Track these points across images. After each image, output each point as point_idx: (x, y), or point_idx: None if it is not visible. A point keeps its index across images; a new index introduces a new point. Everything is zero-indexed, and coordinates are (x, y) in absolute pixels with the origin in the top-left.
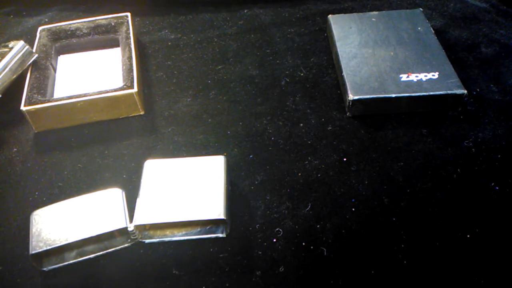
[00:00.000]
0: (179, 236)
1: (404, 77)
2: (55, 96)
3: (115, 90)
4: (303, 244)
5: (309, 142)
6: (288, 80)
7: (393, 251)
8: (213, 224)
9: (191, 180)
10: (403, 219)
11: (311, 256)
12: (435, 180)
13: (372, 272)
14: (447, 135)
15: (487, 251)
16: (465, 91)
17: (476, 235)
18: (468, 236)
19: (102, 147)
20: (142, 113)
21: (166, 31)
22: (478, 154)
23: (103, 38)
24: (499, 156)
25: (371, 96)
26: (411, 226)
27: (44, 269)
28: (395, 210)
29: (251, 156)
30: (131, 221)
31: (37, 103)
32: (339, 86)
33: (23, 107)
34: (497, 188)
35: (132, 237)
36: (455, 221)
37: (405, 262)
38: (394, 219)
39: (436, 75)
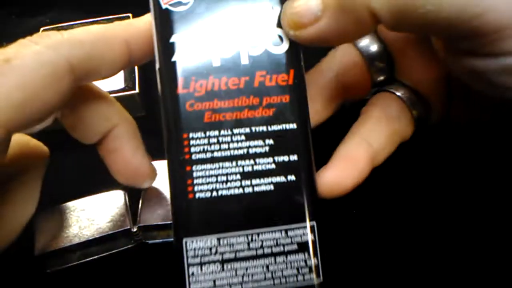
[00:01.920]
0: None
1: None
2: None
3: (117, 91)
4: None
5: None
6: None
7: (393, 251)
8: None
9: None
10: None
11: None
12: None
13: (372, 272)
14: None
15: (487, 251)
16: None
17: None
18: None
19: None
20: (143, 114)
21: None
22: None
23: None
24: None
25: None
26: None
27: (48, 271)
28: (395, 210)
29: None
30: (134, 222)
31: None
32: None
33: None
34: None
35: (135, 238)
36: (455, 221)
37: (405, 262)
38: (394, 219)
39: None
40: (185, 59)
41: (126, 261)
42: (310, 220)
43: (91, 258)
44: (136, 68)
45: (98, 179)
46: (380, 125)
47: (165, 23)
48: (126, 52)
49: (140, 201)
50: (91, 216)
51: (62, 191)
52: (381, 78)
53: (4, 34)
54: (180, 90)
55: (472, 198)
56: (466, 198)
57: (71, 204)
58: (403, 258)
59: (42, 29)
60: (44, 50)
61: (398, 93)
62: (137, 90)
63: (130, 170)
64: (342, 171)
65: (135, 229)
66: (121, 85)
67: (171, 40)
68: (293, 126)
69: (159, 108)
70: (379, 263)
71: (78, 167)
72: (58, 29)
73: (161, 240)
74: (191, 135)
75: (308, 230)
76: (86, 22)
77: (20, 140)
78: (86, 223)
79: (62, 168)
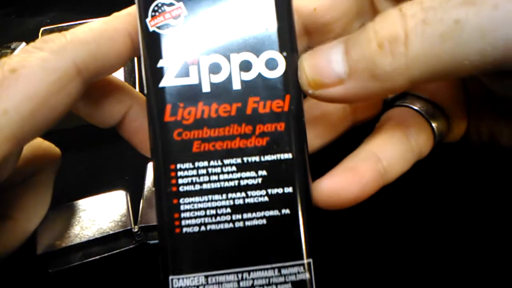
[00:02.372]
0: None
1: None
2: None
3: None
4: None
5: None
6: None
7: (394, 251)
8: None
9: None
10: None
11: None
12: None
13: (372, 273)
14: None
15: (487, 252)
16: None
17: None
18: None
19: (104, 149)
20: None
21: None
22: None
23: None
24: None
25: None
26: (412, 226)
27: (50, 270)
28: (396, 210)
29: None
30: (135, 222)
31: None
32: None
33: None
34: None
35: (137, 239)
36: (456, 222)
37: (405, 262)
38: (395, 219)
39: None
40: (173, 84)
41: (127, 261)
42: (306, 257)
43: (92, 258)
44: (136, 68)
45: (100, 180)
46: (394, 141)
47: (153, 46)
48: (130, 43)
49: (142, 201)
50: (93, 216)
51: (64, 191)
52: (393, 94)
53: (4, 34)
54: (168, 117)
55: (476, 206)
56: (470, 208)
57: (73, 204)
58: (403, 260)
59: (42, 29)
60: (50, 56)
61: (416, 107)
62: (137, 90)
63: None
64: (342, 182)
65: (136, 229)
66: None
67: (159, 65)
68: (288, 156)
69: None
70: (378, 264)
71: (80, 168)
72: (59, 29)
73: None
74: (178, 166)
75: (304, 268)
76: (86, 22)
77: (32, 142)
78: (88, 223)
79: (64, 168)
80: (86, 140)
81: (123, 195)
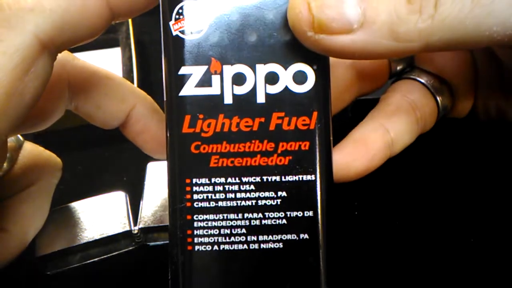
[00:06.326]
0: None
1: None
2: None
3: None
4: None
5: None
6: None
7: (395, 254)
8: None
9: None
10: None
11: None
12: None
13: (373, 275)
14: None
15: (490, 255)
16: None
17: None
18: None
19: (104, 149)
20: None
21: None
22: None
23: (102, 38)
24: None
25: None
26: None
27: (49, 272)
28: (399, 212)
29: None
30: (135, 224)
31: None
32: None
33: None
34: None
35: (136, 240)
36: (458, 224)
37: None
38: (397, 222)
39: None
40: (194, 94)
41: (127, 263)
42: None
43: (91, 260)
44: (135, 68)
45: (99, 181)
46: (401, 112)
47: (175, 52)
48: (106, 10)
49: (141, 202)
50: (92, 217)
51: (63, 193)
52: (401, 66)
53: None
54: (186, 129)
55: (482, 200)
56: (476, 201)
57: (72, 206)
58: (404, 261)
59: None
60: (7, 34)
61: (422, 80)
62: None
63: (162, 145)
64: (352, 153)
65: (136, 231)
66: None
67: (180, 72)
68: (311, 177)
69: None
70: (380, 265)
71: (79, 168)
72: None
73: (162, 242)
74: (194, 180)
75: None
76: None
77: (31, 150)
78: (87, 224)
79: (63, 169)
80: (85, 141)
81: (123, 196)
